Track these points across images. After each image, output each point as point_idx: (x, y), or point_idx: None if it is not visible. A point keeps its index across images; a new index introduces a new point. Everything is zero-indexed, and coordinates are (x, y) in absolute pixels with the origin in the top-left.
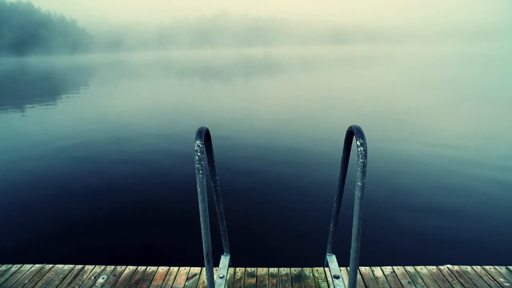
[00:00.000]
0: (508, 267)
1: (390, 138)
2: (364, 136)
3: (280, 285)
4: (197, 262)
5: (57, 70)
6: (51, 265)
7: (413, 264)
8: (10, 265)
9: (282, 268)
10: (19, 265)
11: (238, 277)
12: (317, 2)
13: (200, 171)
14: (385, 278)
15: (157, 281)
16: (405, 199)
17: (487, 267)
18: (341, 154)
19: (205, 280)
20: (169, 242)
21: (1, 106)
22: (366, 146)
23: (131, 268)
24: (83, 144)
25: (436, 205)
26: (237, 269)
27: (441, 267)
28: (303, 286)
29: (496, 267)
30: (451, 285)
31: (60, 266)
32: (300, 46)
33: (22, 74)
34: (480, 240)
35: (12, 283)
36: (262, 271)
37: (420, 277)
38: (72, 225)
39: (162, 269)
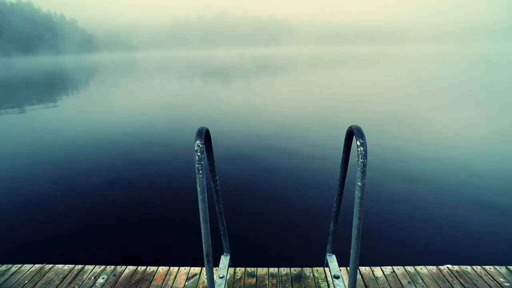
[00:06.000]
0: (508, 267)
1: (391, 138)
2: (364, 136)
3: (280, 285)
4: (197, 262)
5: (64, 71)
6: (51, 265)
7: (413, 264)
8: (10, 265)
9: (282, 268)
10: (19, 265)
11: (238, 277)
12: (317, 2)
13: (200, 171)
14: (385, 278)
15: (157, 281)
16: (405, 199)
17: (487, 267)
18: (341, 154)
19: (205, 280)
20: (169, 242)
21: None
22: (366, 146)
23: (131, 268)
24: (83, 144)
25: (436, 205)
26: (237, 269)
27: (441, 267)
28: (303, 286)
29: (496, 267)
30: (451, 285)
31: (60, 266)
32: (301, 46)
33: (29, 75)
34: (480, 240)
35: (12, 283)
36: (262, 271)
37: (420, 277)
38: (72, 225)
39: (162, 269)
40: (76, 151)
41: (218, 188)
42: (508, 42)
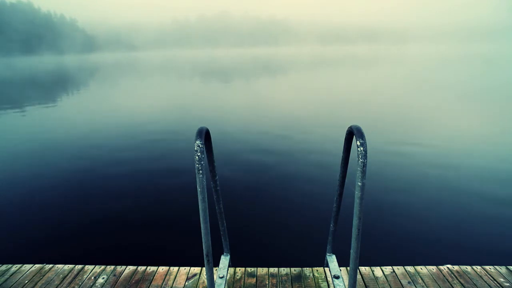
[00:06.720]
0: (508, 267)
1: (391, 138)
2: (364, 136)
3: (280, 285)
4: (197, 262)
5: (65, 70)
6: (51, 265)
7: (413, 264)
8: (10, 265)
9: (282, 268)
10: (19, 265)
11: (238, 277)
12: (317, 2)
13: (200, 171)
14: (385, 278)
15: (157, 281)
16: (405, 199)
17: (487, 267)
18: (341, 154)
19: (205, 280)
20: (169, 242)
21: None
22: (366, 146)
23: (131, 268)
24: (83, 144)
25: (436, 205)
26: (237, 269)
27: (441, 267)
28: (303, 286)
29: (496, 267)
30: (451, 285)
31: (60, 266)
32: (301, 46)
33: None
34: (480, 240)
35: (12, 283)
36: (262, 271)
37: (420, 277)
38: (72, 225)
39: (162, 269)
40: (76, 151)
41: (218, 188)
42: (508, 42)
